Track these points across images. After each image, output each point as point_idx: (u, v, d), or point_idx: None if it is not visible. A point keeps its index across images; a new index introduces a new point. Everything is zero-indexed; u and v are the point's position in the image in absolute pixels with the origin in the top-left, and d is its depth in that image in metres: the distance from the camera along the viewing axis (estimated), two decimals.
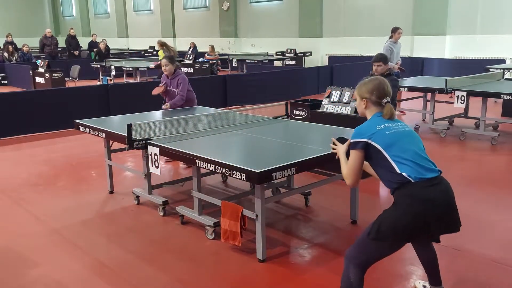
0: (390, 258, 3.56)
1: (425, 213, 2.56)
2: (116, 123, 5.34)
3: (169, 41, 24.95)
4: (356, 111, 5.51)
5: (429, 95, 8.46)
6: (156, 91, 6.34)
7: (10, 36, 18.60)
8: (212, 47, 16.89)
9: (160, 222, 4.52)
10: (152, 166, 4.17)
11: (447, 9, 14.46)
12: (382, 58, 6.10)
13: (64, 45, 21.29)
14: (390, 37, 9.02)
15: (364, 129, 2.76)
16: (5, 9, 30.77)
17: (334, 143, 3.06)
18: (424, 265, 3.11)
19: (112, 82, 13.34)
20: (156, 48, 13.09)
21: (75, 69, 14.00)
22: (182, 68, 15.60)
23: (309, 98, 7.51)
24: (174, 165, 6.43)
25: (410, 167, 2.62)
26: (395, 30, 9.03)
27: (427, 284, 3.18)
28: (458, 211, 2.68)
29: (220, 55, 18.37)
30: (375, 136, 2.70)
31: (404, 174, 2.61)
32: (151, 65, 13.16)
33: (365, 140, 2.71)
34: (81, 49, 20.57)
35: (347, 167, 2.81)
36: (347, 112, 5.63)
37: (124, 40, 28.00)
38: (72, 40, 19.42)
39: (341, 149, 2.96)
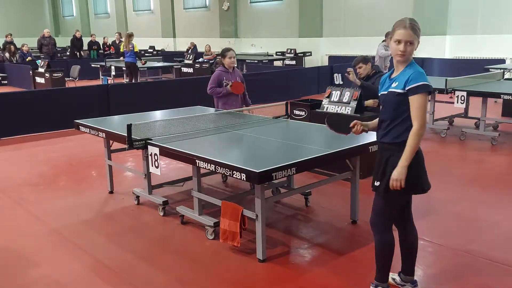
0: None
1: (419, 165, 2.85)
2: (116, 123, 5.34)
3: (169, 41, 25.12)
4: (356, 111, 5.52)
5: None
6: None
7: (9, 36, 18.59)
8: (209, 46, 16.85)
9: (160, 222, 4.52)
10: (152, 166, 4.17)
11: (447, 9, 14.46)
12: (360, 60, 6.03)
13: (63, 45, 21.35)
14: (383, 41, 9.20)
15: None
16: (5, 9, 30.77)
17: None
18: (402, 250, 3.14)
19: (112, 82, 13.33)
20: (121, 39, 12.22)
21: (75, 69, 14.00)
22: (182, 68, 15.70)
23: (309, 98, 7.51)
24: None
25: None
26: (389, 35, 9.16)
27: (395, 276, 3.22)
28: None
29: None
30: None
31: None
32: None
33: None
34: (83, 49, 20.65)
35: (419, 113, 2.81)
36: (347, 112, 5.62)
37: None
38: (77, 42, 19.58)
39: (402, 175, 2.80)
